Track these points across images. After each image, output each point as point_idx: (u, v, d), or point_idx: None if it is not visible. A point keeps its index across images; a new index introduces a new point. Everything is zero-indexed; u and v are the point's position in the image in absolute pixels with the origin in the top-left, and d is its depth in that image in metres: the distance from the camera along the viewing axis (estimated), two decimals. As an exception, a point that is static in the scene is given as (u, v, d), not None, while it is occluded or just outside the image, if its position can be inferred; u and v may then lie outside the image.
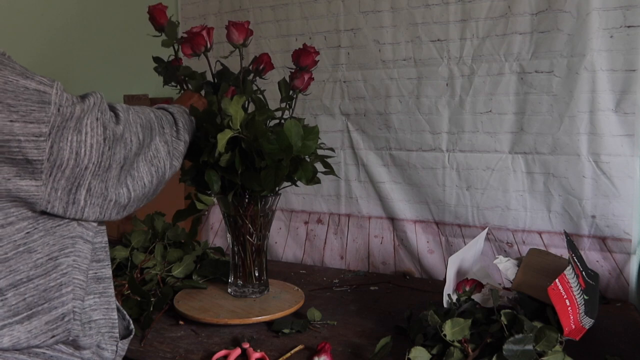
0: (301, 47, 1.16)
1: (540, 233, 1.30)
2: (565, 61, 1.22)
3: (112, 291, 0.84)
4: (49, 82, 0.68)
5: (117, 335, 0.84)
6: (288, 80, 1.17)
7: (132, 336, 0.88)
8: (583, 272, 1.00)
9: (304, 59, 1.15)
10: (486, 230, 1.23)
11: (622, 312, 1.15)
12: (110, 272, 0.85)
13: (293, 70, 1.17)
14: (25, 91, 0.65)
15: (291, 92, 1.18)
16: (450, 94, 1.35)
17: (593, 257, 1.25)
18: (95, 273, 0.82)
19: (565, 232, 1.06)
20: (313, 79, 1.18)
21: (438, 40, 1.35)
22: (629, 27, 1.15)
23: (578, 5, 1.19)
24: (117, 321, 0.84)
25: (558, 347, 0.83)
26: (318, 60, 1.17)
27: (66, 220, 0.74)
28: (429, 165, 1.40)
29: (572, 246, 1.03)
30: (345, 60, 1.47)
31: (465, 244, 1.32)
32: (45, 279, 0.71)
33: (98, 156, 0.73)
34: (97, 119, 0.73)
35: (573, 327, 0.90)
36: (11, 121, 0.63)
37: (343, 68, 1.48)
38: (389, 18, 1.40)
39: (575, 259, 0.99)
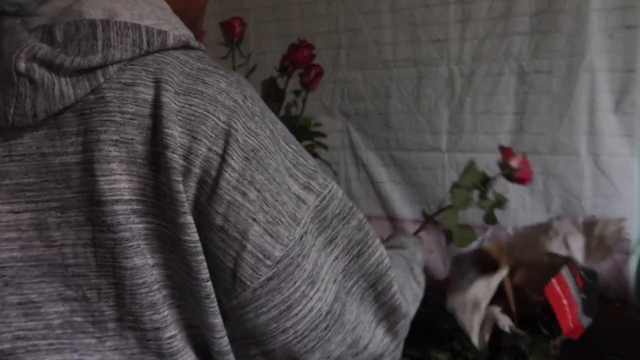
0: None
1: (540, 233, 1.30)
2: (564, 61, 1.22)
3: None
4: (319, 188, 0.52)
5: None
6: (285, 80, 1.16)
7: None
8: (581, 272, 1.00)
9: (292, 53, 1.14)
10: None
11: (622, 312, 1.15)
12: None
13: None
14: (286, 192, 0.50)
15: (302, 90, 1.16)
16: (450, 94, 1.35)
17: (593, 257, 1.25)
18: None
19: None
20: (321, 74, 1.17)
21: (438, 40, 1.35)
22: (628, 27, 1.16)
23: (578, 5, 1.19)
24: None
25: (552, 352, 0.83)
26: (314, 56, 1.16)
27: None
28: (429, 165, 1.40)
29: None
30: (345, 60, 1.47)
31: (465, 244, 1.31)
32: None
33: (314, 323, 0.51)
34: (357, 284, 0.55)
35: (572, 326, 0.90)
36: (254, 220, 0.47)
37: (343, 68, 1.48)
38: (388, 18, 1.40)
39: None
